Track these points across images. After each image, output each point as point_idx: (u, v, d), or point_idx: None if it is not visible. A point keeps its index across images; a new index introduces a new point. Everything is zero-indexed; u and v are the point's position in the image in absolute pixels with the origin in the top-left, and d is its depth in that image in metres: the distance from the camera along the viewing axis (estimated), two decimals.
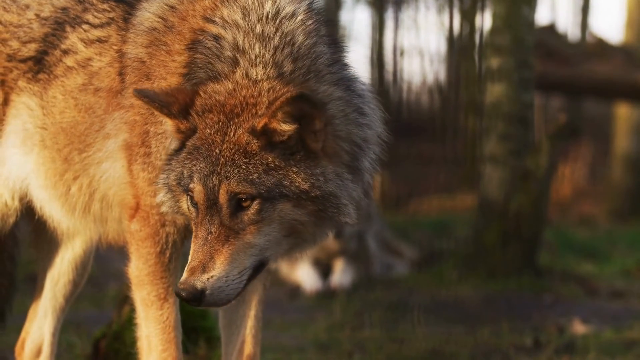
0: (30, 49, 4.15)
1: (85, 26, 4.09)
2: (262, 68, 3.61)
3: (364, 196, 3.72)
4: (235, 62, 3.63)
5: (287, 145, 3.52)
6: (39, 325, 4.57)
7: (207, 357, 5.26)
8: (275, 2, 3.71)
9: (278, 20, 3.68)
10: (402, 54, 14.63)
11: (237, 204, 3.51)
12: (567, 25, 17.87)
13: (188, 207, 3.61)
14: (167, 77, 3.81)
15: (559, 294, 7.98)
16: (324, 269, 8.87)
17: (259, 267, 3.59)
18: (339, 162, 3.60)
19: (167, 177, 3.64)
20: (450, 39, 14.06)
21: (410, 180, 13.84)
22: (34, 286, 4.61)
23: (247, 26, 3.67)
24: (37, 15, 4.17)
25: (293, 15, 3.70)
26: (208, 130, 3.56)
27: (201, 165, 3.54)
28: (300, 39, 3.67)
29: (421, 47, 14.55)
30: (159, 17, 3.90)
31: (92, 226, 4.15)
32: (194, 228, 3.57)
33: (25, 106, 4.13)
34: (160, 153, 3.79)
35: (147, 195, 3.83)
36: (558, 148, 8.47)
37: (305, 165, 3.52)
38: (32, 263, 4.69)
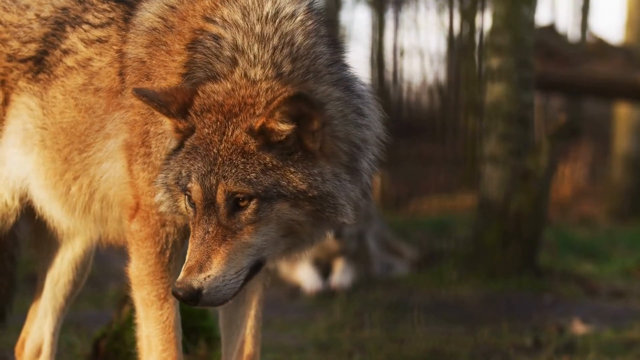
0: (30, 49, 4.15)
1: (85, 26, 4.09)
2: (261, 68, 3.61)
3: (363, 197, 3.72)
4: (234, 62, 3.63)
5: (285, 145, 3.52)
6: (39, 325, 4.57)
7: (207, 357, 5.26)
8: (275, 2, 3.71)
9: (277, 20, 3.68)
10: (402, 54, 14.64)
11: (235, 204, 3.51)
12: (567, 25, 17.87)
13: (186, 207, 3.61)
14: (167, 77, 3.81)
15: (559, 294, 7.98)
16: (324, 269, 8.87)
17: (257, 267, 3.58)
18: (337, 163, 3.60)
19: (166, 176, 3.65)
20: (450, 39, 14.06)
21: (410, 180, 13.84)
22: (34, 286, 4.61)
23: (246, 26, 3.67)
24: (37, 15, 4.17)
25: (293, 15, 3.70)
26: (206, 130, 3.57)
27: (199, 165, 3.54)
28: (299, 39, 3.67)
29: (421, 47, 14.56)
30: (159, 17, 3.90)
31: (92, 226, 4.15)
32: (191, 227, 3.57)
33: (25, 106, 4.13)
34: (161, 153, 3.79)
35: (147, 195, 3.83)
36: (558, 148, 8.47)
37: (303, 166, 3.52)
38: (32, 263, 4.69)
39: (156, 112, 3.69)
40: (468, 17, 13.07)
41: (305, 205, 3.52)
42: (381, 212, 10.81)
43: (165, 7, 3.91)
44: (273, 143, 3.52)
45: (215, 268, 3.49)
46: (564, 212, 14.10)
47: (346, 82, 3.73)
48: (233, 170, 3.50)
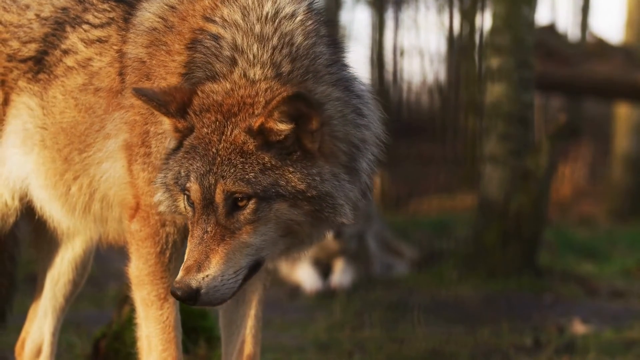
0: (30, 49, 4.15)
1: (85, 26, 4.09)
2: (260, 68, 3.61)
3: (362, 197, 3.71)
4: (233, 62, 3.63)
5: (283, 145, 3.52)
6: (39, 325, 4.57)
7: (207, 357, 5.26)
8: (275, 2, 3.71)
9: (277, 20, 3.68)
10: (402, 54, 14.64)
11: (233, 204, 3.51)
12: (567, 25, 17.88)
13: (185, 207, 3.61)
14: (167, 77, 3.81)
15: (559, 294, 7.98)
16: (324, 269, 8.87)
17: (255, 267, 3.58)
18: (336, 163, 3.59)
19: (165, 176, 3.65)
20: (450, 39, 14.06)
21: (410, 180, 13.83)
22: (34, 286, 4.61)
23: (246, 26, 3.67)
24: (37, 15, 4.17)
25: (292, 15, 3.70)
26: (205, 130, 3.57)
27: (198, 165, 3.54)
28: (299, 39, 3.67)
29: (421, 47, 14.56)
30: (159, 17, 3.91)
31: (92, 226, 4.15)
32: (190, 227, 3.57)
33: (25, 106, 4.13)
34: (161, 153, 3.79)
35: (147, 195, 3.83)
36: (558, 148, 8.47)
37: (302, 165, 3.52)
38: (32, 263, 4.70)
39: (155, 112, 3.69)
40: (468, 17, 13.07)
41: (304, 205, 3.52)
42: (381, 212, 10.81)
43: (165, 7, 3.91)
44: (272, 143, 3.52)
45: (213, 268, 3.49)
46: (564, 212, 14.10)
47: (346, 82, 3.73)
48: (232, 170, 3.50)
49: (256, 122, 3.50)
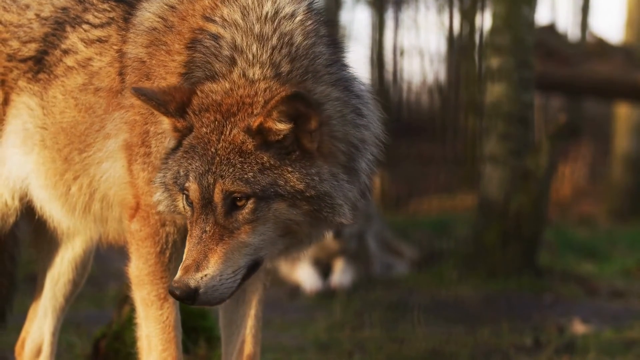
0: (30, 49, 4.15)
1: (85, 26, 4.09)
2: (259, 68, 3.61)
3: (361, 197, 3.71)
4: (232, 62, 3.63)
5: (282, 145, 3.52)
6: (39, 325, 4.57)
7: (207, 357, 5.26)
8: (275, 2, 3.71)
9: (277, 20, 3.68)
10: (402, 54, 14.65)
11: (232, 203, 3.51)
12: (567, 25, 17.90)
13: (184, 206, 3.61)
14: (167, 77, 3.81)
15: (559, 294, 7.98)
16: (324, 268, 8.87)
17: (254, 267, 3.58)
18: (335, 163, 3.59)
19: (164, 175, 3.65)
20: (450, 39, 14.07)
21: (410, 180, 13.83)
22: (34, 286, 4.61)
23: (246, 26, 3.67)
24: (37, 15, 4.17)
25: (292, 15, 3.70)
26: (204, 129, 3.57)
27: (197, 164, 3.54)
28: (298, 39, 3.67)
29: (421, 47, 14.58)
30: (159, 17, 3.91)
31: (92, 226, 4.15)
32: (189, 227, 3.57)
33: (25, 106, 4.13)
34: (160, 153, 3.79)
35: (147, 195, 3.83)
36: (558, 148, 8.47)
37: (301, 165, 3.52)
38: (32, 263, 4.69)
39: (154, 111, 3.69)
40: (468, 17, 13.08)
41: (303, 205, 3.52)
42: (381, 212, 10.81)
43: (165, 6, 3.91)
44: (270, 142, 3.52)
45: (212, 267, 3.49)
46: (564, 212, 14.10)
47: (345, 82, 3.73)
48: (230, 170, 3.50)
49: (255, 122, 3.50)
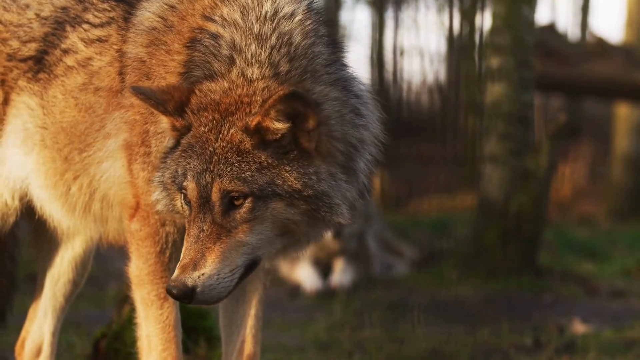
0: (30, 49, 4.15)
1: (85, 26, 4.09)
2: (258, 67, 3.61)
3: (359, 197, 3.71)
4: (231, 61, 3.63)
5: (280, 144, 3.52)
6: (39, 325, 4.57)
7: (207, 357, 5.26)
8: (275, 2, 3.71)
9: (276, 20, 3.68)
10: (402, 54, 14.66)
11: (230, 202, 3.51)
12: (567, 25, 17.91)
13: (182, 205, 3.61)
14: (167, 76, 3.81)
15: (559, 294, 7.98)
16: (324, 268, 8.87)
17: (252, 266, 3.58)
18: (333, 162, 3.59)
19: (162, 175, 3.65)
20: (450, 39, 14.07)
21: (410, 180, 13.84)
22: (34, 286, 4.61)
23: (245, 25, 3.68)
24: (37, 15, 4.17)
25: (292, 15, 3.70)
26: (202, 129, 3.57)
27: (195, 163, 3.54)
28: (297, 39, 3.67)
29: (421, 47, 14.58)
30: (159, 17, 3.91)
31: (93, 226, 4.15)
32: (187, 226, 3.57)
33: (25, 106, 4.13)
34: (160, 153, 3.79)
35: (147, 194, 3.83)
36: (558, 148, 8.47)
37: (299, 165, 3.52)
38: (32, 263, 4.70)
39: (153, 110, 3.69)
40: (468, 17, 13.08)
41: (301, 205, 3.52)
42: (381, 212, 10.81)
43: (165, 6, 3.91)
44: (268, 142, 3.52)
45: (209, 266, 3.49)
46: (564, 212, 14.11)
47: (344, 82, 3.73)
48: (228, 169, 3.50)
49: (253, 121, 3.50)
